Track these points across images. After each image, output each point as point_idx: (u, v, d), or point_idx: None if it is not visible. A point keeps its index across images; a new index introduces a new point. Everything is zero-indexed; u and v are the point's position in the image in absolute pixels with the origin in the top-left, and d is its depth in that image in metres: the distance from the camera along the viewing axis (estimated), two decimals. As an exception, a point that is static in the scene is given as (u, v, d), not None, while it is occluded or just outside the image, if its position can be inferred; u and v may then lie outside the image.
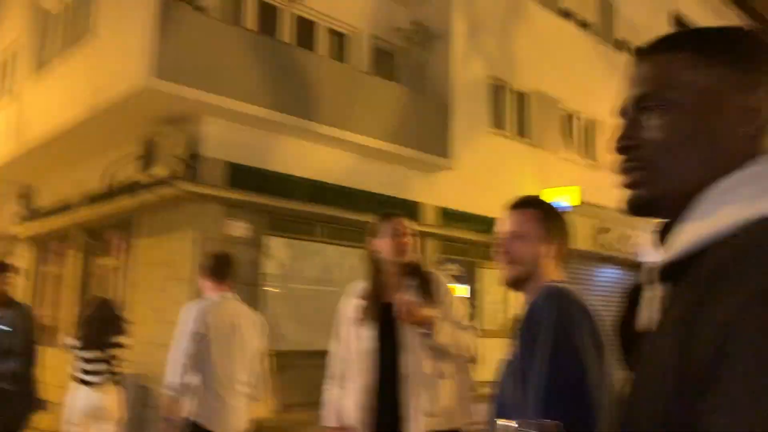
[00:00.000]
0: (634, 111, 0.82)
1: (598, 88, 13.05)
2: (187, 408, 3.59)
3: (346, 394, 2.79)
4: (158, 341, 7.07)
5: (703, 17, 17.20)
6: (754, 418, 0.53)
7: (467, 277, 10.73)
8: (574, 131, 12.80)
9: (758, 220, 0.66)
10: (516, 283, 1.81)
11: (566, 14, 12.82)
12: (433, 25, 10.02)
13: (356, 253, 9.03)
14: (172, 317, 4.47)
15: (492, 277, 11.49)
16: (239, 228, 7.81)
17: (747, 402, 0.54)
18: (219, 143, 7.74)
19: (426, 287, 2.76)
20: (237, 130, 7.85)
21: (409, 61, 10.19)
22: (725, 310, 0.59)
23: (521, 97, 11.67)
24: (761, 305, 0.57)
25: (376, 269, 2.84)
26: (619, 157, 0.83)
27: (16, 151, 9.74)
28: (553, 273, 1.79)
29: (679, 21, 16.18)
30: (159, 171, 7.44)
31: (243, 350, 3.77)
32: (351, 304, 2.88)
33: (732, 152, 0.76)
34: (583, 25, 13.25)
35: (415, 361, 2.66)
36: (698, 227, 0.72)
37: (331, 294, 8.64)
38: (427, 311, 2.65)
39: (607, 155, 10.56)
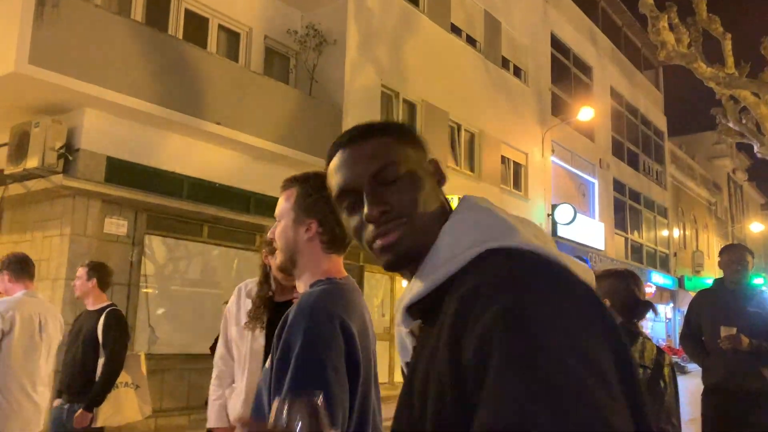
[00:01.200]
0: (373, 184, 0.96)
1: (482, 103, 13.71)
2: None
3: (234, 394, 2.80)
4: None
5: (575, 39, 18.51)
6: (507, 406, 0.67)
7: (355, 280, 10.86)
8: (460, 143, 13.34)
9: (487, 252, 0.86)
10: (285, 271, 1.67)
11: (456, 30, 13.36)
12: (327, 30, 10.11)
13: (242, 255, 8.92)
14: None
15: (377, 280, 11.72)
16: (117, 225, 7.49)
17: (502, 393, 0.68)
18: (99, 136, 7.39)
19: None
20: (119, 123, 7.53)
21: (302, 65, 10.22)
22: (481, 326, 0.74)
23: (411, 107, 12.02)
24: (504, 320, 0.73)
25: (267, 273, 2.87)
26: (377, 224, 0.95)
27: None
28: (324, 261, 1.61)
29: (556, 42, 17.31)
30: (31, 163, 6.98)
31: (48, 349, 3.88)
32: (240, 304, 2.88)
33: (443, 201, 1.01)
34: (471, 42, 13.86)
35: None
36: (439, 267, 0.90)
37: (213, 296, 8.47)
38: None
39: (487, 167, 10.99)
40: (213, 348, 6.07)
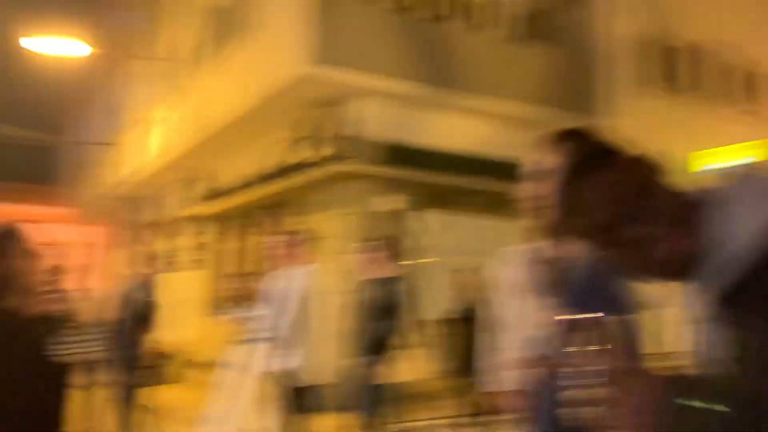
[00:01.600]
0: (629, 204, 0.99)
1: (763, 34, 11.79)
2: (283, 361, 4.30)
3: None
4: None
5: None
6: None
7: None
8: (736, 86, 11.69)
9: None
10: (556, 232, 1.55)
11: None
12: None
13: (508, 224, 9.06)
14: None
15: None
16: (395, 203, 8.24)
17: None
18: (374, 122, 8.11)
19: None
20: (389, 108, 8.15)
21: (554, 21, 9.89)
22: None
23: (673, 52, 10.88)
24: None
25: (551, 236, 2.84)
26: (659, 233, 0.95)
27: (196, 139, 10.57)
28: None
29: None
30: (322, 151, 8.03)
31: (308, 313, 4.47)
32: (515, 270, 2.87)
33: (676, 188, 1.00)
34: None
35: None
36: (743, 248, 0.85)
37: (482, 266, 8.80)
38: None
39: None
40: (463, 316, 6.38)
